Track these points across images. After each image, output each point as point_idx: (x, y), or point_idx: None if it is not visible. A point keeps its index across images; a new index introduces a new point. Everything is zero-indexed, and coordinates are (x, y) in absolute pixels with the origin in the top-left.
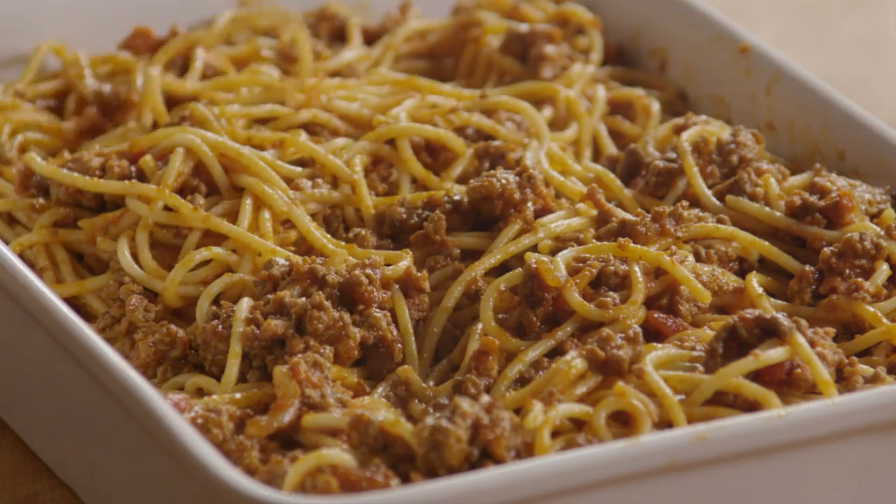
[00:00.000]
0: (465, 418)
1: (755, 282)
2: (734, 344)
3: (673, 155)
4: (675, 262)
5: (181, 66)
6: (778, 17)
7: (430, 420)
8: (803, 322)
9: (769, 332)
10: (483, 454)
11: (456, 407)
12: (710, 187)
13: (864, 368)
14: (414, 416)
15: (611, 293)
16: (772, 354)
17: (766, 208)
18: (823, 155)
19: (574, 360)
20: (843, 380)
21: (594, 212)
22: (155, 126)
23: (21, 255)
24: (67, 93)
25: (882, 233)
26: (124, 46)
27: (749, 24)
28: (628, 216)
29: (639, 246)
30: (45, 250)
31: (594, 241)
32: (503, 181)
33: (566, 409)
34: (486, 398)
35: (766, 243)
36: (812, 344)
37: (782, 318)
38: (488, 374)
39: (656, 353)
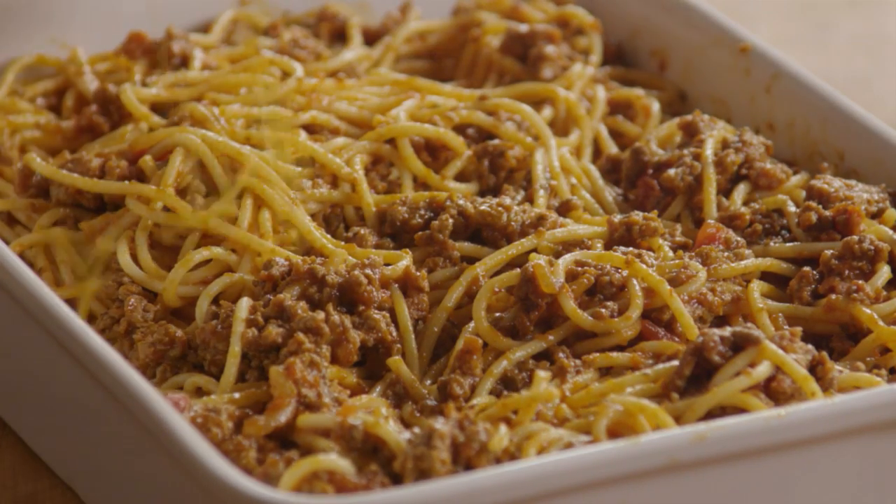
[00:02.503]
0: (444, 439)
1: (757, 294)
2: (702, 363)
3: (677, 152)
4: (672, 293)
5: (179, 66)
6: (778, 17)
7: (408, 449)
8: (770, 330)
9: (738, 346)
10: (467, 467)
11: (431, 430)
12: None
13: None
14: (406, 420)
15: (607, 303)
16: (762, 370)
17: (794, 243)
18: (823, 155)
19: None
20: (818, 379)
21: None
22: None
23: (21, 255)
24: (65, 90)
25: (893, 236)
26: (121, 52)
27: (749, 24)
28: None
29: (644, 267)
30: (45, 251)
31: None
32: (512, 222)
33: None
34: (455, 415)
35: (783, 263)
36: (784, 350)
37: (748, 329)
38: (472, 373)
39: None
